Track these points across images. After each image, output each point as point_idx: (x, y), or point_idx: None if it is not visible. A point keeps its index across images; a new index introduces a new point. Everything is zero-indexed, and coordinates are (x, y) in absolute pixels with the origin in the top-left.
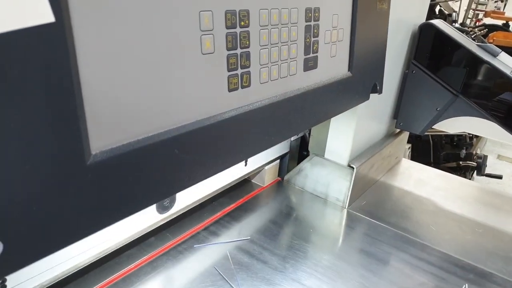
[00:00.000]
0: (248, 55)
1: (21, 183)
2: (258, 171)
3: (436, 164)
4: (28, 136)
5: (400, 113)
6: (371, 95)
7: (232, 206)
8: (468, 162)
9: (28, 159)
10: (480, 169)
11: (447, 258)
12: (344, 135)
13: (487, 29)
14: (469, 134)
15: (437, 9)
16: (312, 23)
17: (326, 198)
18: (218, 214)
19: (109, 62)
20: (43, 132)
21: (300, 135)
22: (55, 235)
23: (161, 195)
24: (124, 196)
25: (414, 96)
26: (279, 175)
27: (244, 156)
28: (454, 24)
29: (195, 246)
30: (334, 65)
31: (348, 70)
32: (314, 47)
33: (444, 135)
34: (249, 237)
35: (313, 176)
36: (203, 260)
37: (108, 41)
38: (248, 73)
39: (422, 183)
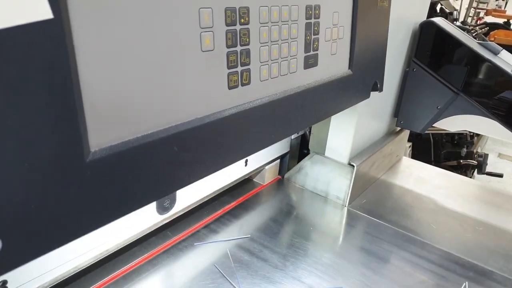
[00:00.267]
0: (248, 53)
1: (20, 181)
2: (258, 170)
3: (437, 163)
4: (26, 134)
5: (400, 111)
6: (372, 93)
7: (233, 204)
8: (468, 160)
9: (27, 156)
10: (480, 167)
11: (448, 256)
12: (344, 133)
13: (488, 28)
14: (469, 132)
15: (438, 7)
16: (312, 20)
17: (327, 196)
18: (219, 212)
19: (108, 59)
20: (41, 129)
21: (301, 133)
22: (54, 232)
23: (161, 193)
24: (123, 194)
25: (415, 94)
26: (279, 173)
27: (244, 154)
28: (455, 22)
29: (195, 244)
30: (334, 63)
31: (349, 68)
32: (315, 45)
33: (445, 133)
34: (249, 235)
35: (313, 174)
36: (203, 258)
37: (107, 38)
38: (248, 70)
39: (423, 182)
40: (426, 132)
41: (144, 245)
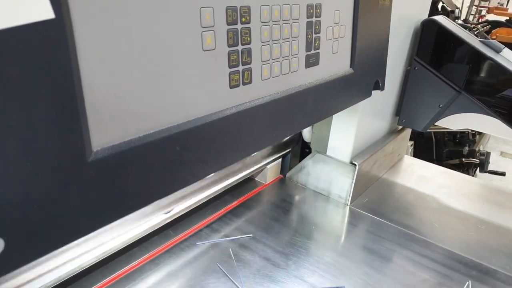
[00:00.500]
0: (249, 52)
1: (22, 180)
2: (260, 169)
3: (439, 161)
4: (28, 134)
5: (402, 110)
6: (373, 92)
7: (234, 203)
8: (471, 159)
9: (29, 156)
10: (483, 166)
11: (450, 255)
12: (346, 132)
13: (490, 26)
14: (472, 131)
15: (439, 5)
16: (313, 19)
17: (329, 195)
18: (220, 212)
19: (110, 58)
20: (44, 129)
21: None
22: (56, 232)
23: (163, 192)
24: (125, 193)
25: (417, 92)
26: (281, 172)
27: (245, 153)
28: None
29: (197, 243)
30: (336, 61)
31: (350, 67)
32: (316, 44)
33: (447, 132)
34: (251, 234)
35: (315, 173)
36: (205, 258)
37: (108, 38)
38: (250, 69)
39: (425, 180)
40: (428, 130)
41: (146, 245)
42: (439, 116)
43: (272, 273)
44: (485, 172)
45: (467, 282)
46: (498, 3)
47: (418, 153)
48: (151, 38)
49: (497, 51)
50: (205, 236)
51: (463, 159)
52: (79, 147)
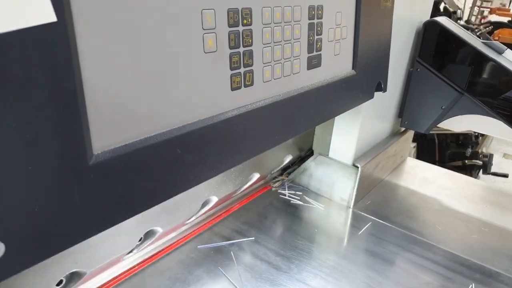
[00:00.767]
0: (251, 54)
1: (23, 184)
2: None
3: (442, 163)
4: (30, 136)
5: (405, 112)
6: (376, 94)
7: (236, 206)
8: (473, 160)
9: (30, 159)
10: (485, 167)
11: (453, 258)
12: (348, 134)
13: (492, 27)
14: (474, 132)
15: (441, 6)
16: (315, 21)
17: (331, 197)
18: (222, 215)
19: (112, 61)
20: (45, 132)
21: None
22: (57, 236)
23: (164, 195)
24: (127, 197)
25: (419, 94)
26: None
27: (247, 156)
28: (459, 21)
29: (199, 247)
30: (338, 63)
31: (352, 69)
32: (318, 45)
33: (450, 133)
34: (253, 238)
35: (317, 175)
36: (207, 261)
37: (110, 41)
38: (251, 71)
39: (428, 182)
40: (431, 132)
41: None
42: (442, 118)
43: (274, 277)
44: (488, 173)
45: (471, 285)
46: (501, 3)
47: (421, 155)
48: (152, 41)
49: (500, 52)
50: (207, 240)
51: (466, 161)
52: (80, 150)
